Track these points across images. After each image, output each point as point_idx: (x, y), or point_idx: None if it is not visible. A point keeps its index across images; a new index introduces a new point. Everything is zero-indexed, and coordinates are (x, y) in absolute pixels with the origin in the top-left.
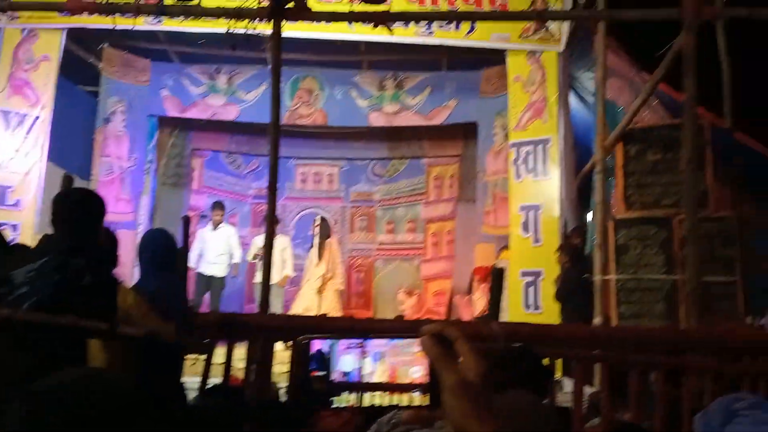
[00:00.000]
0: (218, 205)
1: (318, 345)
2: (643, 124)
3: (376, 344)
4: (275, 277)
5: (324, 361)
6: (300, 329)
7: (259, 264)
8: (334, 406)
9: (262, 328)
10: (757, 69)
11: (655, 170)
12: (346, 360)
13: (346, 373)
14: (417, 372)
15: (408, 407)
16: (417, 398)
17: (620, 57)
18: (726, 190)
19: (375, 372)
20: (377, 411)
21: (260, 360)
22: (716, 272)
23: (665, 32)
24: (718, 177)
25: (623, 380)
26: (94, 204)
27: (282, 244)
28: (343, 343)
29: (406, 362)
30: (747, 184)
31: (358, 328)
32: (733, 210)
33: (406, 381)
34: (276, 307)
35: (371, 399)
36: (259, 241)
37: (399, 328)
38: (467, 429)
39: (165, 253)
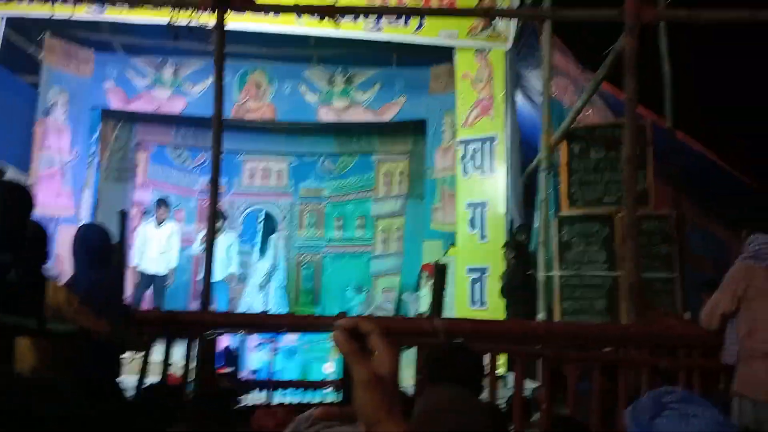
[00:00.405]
0: (163, 202)
1: (226, 341)
2: (586, 123)
3: (288, 340)
4: (221, 274)
5: (232, 357)
6: (240, 326)
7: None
8: (268, 403)
9: (202, 325)
10: (699, 70)
11: (597, 168)
12: (255, 357)
13: (255, 371)
14: (330, 368)
15: (322, 404)
16: (330, 395)
17: (566, 57)
18: (666, 188)
19: (286, 369)
20: (307, 409)
21: (200, 358)
22: (656, 269)
23: (610, 33)
24: (659, 175)
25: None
26: (22, 197)
27: (228, 240)
28: (253, 339)
29: (318, 358)
30: (686, 183)
31: (288, 326)
32: (672, 208)
33: (319, 378)
34: (221, 304)
35: (282, 397)
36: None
37: (325, 325)
38: (378, 421)
39: (100, 248)
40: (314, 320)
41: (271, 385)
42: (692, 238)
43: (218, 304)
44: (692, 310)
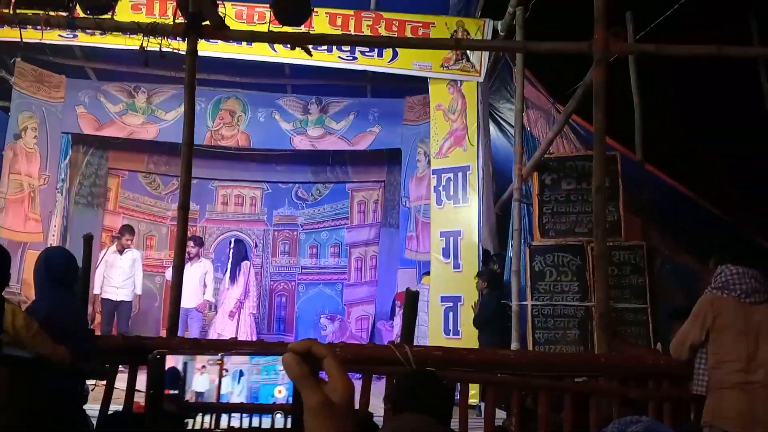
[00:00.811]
0: (128, 230)
1: (170, 362)
2: (558, 155)
3: (235, 362)
4: (195, 302)
5: (177, 379)
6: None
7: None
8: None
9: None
10: (669, 103)
11: (569, 199)
12: (201, 379)
13: (199, 393)
14: (281, 392)
15: (270, 431)
16: (283, 421)
17: (537, 89)
18: (637, 220)
19: (234, 392)
20: None
21: (149, 380)
22: (627, 299)
23: (581, 66)
24: (630, 207)
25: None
26: None
27: (205, 267)
28: (199, 360)
29: (268, 381)
30: (657, 214)
31: (255, 352)
32: (643, 239)
33: (269, 402)
34: (194, 331)
35: (230, 421)
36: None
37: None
38: None
39: (63, 272)
40: (281, 346)
41: (218, 408)
42: (664, 270)
43: (192, 332)
44: (663, 340)
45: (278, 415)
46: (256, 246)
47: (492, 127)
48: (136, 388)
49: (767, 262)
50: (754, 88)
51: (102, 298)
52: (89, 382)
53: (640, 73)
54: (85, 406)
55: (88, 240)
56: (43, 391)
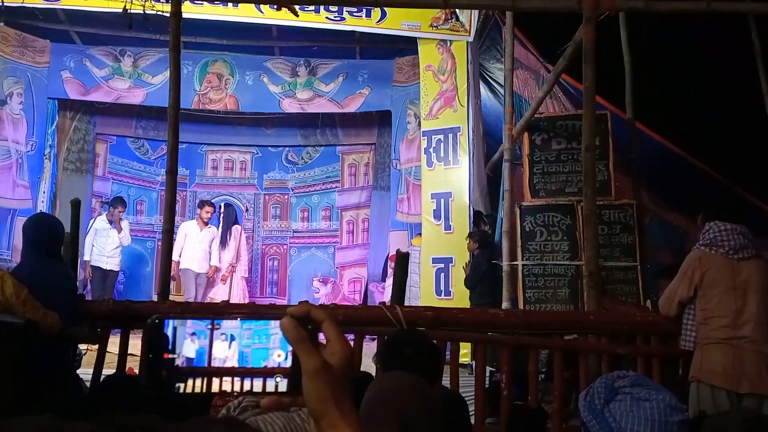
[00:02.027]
0: (121, 202)
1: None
2: (548, 114)
3: (226, 327)
4: (205, 267)
5: (168, 344)
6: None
7: (181, 251)
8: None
9: None
10: (659, 62)
11: (559, 159)
12: (191, 344)
13: (190, 358)
14: (277, 356)
15: (265, 393)
16: (274, 385)
17: (527, 49)
18: (627, 178)
19: (227, 357)
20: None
21: (146, 344)
22: (617, 258)
23: (571, 25)
24: (620, 166)
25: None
26: None
27: (213, 233)
28: (189, 324)
29: (260, 346)
30: (646, 173)
31: (246, 314)
32: (633, 198)
33: (262, 366)
34: (199, 297)
35: (222, 385)
36: (185, 227)
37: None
38: (324, 414)
39: (50, 238)
40: (273, 309)
41: (211, 372)
42: (651, 228)
43: (197, 297)
44: (653, 298)
45: (278, 379)
46: (247, 210)
47: (482, 88)
48: (129, 352)
49: (755, 218)
50: (744, 44)
51: (92, 266)
52: (82, 346)
53: (631, 31)
54: (78, 371)
55: (76, 205)
56: (34, 357)
